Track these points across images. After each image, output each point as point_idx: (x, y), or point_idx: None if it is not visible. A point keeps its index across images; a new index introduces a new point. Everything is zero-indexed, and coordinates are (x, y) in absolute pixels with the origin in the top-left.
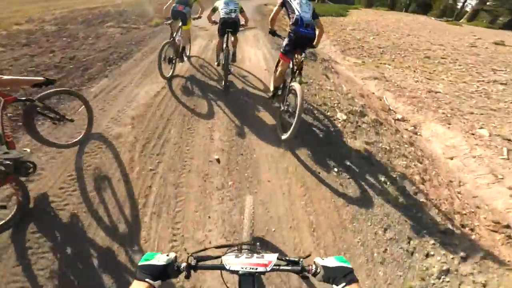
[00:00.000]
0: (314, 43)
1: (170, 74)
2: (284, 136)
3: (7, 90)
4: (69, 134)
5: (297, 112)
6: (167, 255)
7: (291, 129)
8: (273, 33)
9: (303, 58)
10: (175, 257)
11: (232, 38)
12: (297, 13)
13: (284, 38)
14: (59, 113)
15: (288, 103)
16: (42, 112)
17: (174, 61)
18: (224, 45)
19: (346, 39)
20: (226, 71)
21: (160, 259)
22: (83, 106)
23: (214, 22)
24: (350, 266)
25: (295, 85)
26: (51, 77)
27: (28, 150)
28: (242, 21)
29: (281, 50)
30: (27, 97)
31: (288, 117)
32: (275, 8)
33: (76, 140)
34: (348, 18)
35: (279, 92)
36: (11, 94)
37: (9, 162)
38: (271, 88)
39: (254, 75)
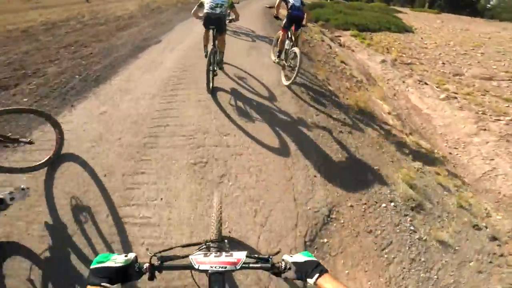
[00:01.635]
0: (304, 22)
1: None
2: (286, 83)
3: None
4: (31, 158)
5: (297, 67)
6: (126, 256)
7: (292, 78)
8: (276, 17)
9: (298, 32)
10: (135, 257)
11: (218, 40)
12: (291, 2)
13: (284, 19)
14: (6, 136)
15: (290, 61)
16: None
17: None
18: (211, 44)
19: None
20: (208, 72)
21: (117, 260)
22: (50, 125)
23: (200, 18)
24: (316, 259)
25: (296, 49)
26: None
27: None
28: (233, 16)
29: (282, 25)
30: None
31: (290, 71)
32: (277, 1)
33: (38, 164)
34: (421, 37)
35: (282, 56)
36: None
37: None
38: (273, 58)
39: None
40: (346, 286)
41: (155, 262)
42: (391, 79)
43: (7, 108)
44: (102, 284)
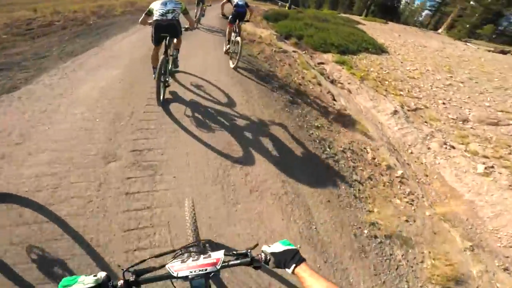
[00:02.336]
0: (247, 18)
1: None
2: (232, 66)
3: None
4: None
5: (239, 53)
6: (95, 276)
7: (236, 62)
8: (223, 15)
9: (241, 24)
10: (107, 275)
11: (173, 44)
12: (235, 1)
13: (230, 16)
14: None
15: (234, 48)
16: None
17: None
18: (161, 56)
19: None
20: (158, 84)
21: (85, 282)
22: None
23: (150, 24)
24: (295, 247)
25: (238, 39)
26: None
27: None
28: (186, 25)
29: (228, 20)
30: None
31: (235, 56)
32: (222, 2)
33: None
34: (400, 61)
35: (229, 46)
36: None
37: None
38: (225, 46)
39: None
40: (319, 274)
41: (130, 277)
42: (412, 144)
43: None
44: None
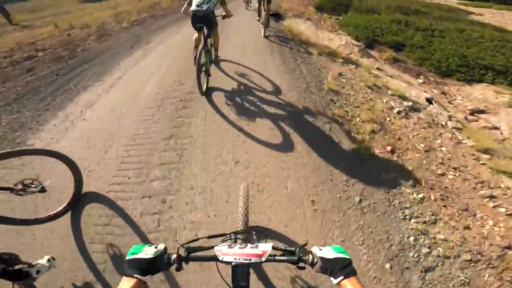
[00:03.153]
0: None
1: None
2: (262, 34)
3: None
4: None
5: (264, 24)
6: (156, 247)
7: (264, 32)
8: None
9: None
10: (165, 248)
11: (211, 38)
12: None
13: None
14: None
15: (262, 20)
16: None
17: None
18: (201, 44)
19: None
20: (199, 71)
21: (148, 252)
22: (65, 167)
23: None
24: (348, 257)
25: (263, 13)
26: None
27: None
28: (223, 14)
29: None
30: None
31: (264, 27)
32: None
33: (53, 213)
34: None
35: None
36: None
37: None
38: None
39: None
40: None
41: (182, 253)
42: None
43: (11, 150)
44: (135, 276)
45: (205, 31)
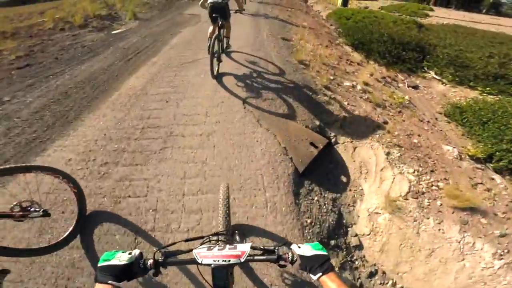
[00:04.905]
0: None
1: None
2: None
3: None
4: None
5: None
6: (129, 253)
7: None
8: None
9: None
10: (140, 253)
11: (224, 29)
12: None
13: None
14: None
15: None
16: None
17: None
18: (215, 33)
19: None
20: (212, 57)
21: (121, 258)
22: (68, 188)
23: (206, 8)
24: (326, 253)
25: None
26: None
27: None
28: (235, 7)
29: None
30: None
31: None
32: None
33: (56, 242)
34: None
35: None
36: None
37: None
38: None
39: None
40: (347, 285)
41: (159, 258)
42: None
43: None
44: (109, 282)
45: (219, 22)
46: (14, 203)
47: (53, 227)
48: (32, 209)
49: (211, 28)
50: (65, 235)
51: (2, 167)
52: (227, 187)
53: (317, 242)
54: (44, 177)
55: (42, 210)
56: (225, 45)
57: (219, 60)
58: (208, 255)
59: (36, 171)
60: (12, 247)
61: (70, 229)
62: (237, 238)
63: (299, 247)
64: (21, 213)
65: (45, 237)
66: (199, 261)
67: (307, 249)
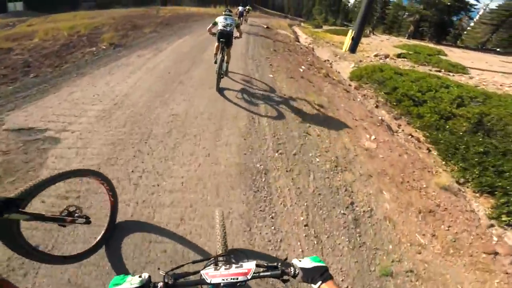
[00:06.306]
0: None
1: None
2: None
3: None
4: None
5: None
6: (140, 277)
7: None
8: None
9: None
10: (149, 277)
11: (226, 54)
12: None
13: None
14: (50, 217)
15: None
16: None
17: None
18: (220, 55)
19: None
20: (218, 75)
21: (132, 282)
22: (104, 189)
23: (213, 34)
24: (325, 264)
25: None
26: None
27: None
28: (237, 34)
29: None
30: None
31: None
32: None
33: (84, 250)
34: None
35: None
36: None
37: None
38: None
39: None
40: None
41: (169, 280)
42: None
43: (60, 172)
44: None
45: (224, 46)
46: (64, 207)
47: (85, 233)
48: (77, 215)
49: (216, 44)
50: (94, 243)
51: (58, 172)
52: (222, 213)
53: (316, 256)
54: (88, 180)
55: (85, 216)
56: (224, 69)
57: (222, 77)
58: (217, 275)
59: (87, 176)
60: (47, 252)
61: (99, 237)
62: (233, 259)
63: (300, 260)
64: (70, 218)
65: (77, 244)
66: (208, 281)
67: (307, 262)
